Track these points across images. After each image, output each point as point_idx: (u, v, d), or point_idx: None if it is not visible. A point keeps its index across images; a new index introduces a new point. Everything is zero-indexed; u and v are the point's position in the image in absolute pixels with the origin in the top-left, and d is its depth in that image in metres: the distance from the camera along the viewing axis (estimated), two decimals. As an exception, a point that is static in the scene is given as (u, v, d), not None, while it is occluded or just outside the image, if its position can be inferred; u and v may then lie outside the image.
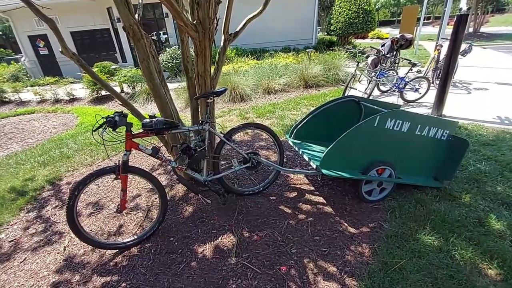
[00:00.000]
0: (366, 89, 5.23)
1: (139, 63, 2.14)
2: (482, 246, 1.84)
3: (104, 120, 1.75)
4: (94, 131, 1.73)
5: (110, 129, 1.83)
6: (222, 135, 2.33)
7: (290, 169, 2.66)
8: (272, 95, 6.74)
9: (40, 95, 8.02)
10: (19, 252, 2.20)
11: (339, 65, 7.50)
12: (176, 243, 2.09)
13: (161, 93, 2.35)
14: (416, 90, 5.00)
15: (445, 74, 4.23)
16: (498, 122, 4.12)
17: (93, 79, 2.35)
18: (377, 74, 4.99)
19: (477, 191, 2.44)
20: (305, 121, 2.91)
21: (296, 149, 2.72)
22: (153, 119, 1.99)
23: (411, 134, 2.34)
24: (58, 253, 2.19)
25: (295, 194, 2.60)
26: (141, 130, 2.02)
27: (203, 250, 2.01)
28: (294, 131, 2.93)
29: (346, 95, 5.60)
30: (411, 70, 5.60)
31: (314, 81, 7.08)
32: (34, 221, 2.56)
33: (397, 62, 6.53)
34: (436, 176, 2.59)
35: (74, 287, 1.85)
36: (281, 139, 3.75)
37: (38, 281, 1.94)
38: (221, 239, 2.09)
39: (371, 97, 5.45)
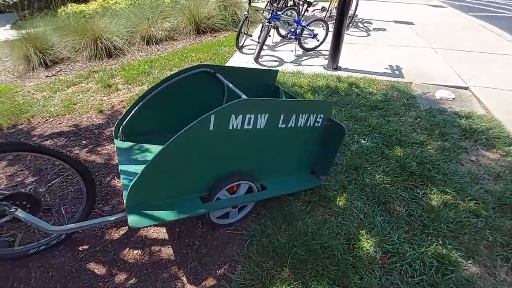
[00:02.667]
0: (259, 36, 4.28)
1: None
2: (345, 291, 1.40)
3: None
4: None
5: None
6: None
7: (77, 225, 1.42)
8: (153, 46, 5.21)
9: None
10: None
11: (237, 1, 6.16)
12: None
13: None
14: (314, 36, 4.29)
15: (339, 16, 3.54)
16: (390, 74, 3.83)
17: None
18: (269, 17, 4.00)
19: (354, 186, 2.00)
20: (135, 109, 1.89)
21: (117, 160, 1.76)
22: None
23: (273, 129, 1.62)
24: None
25: (124, 230, 1.76)
26: None
27: None
28: (121, 127, 1.91)
29: (239, 45, 4.57)
30: (307, 11, 4.77)
31: (208, 23, 5.69)
32: None
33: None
34: (314, 169, 2.04)
35: None
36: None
37: None
38: None
39: (268, 45, 4.57)
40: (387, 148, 2.35)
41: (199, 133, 1.37)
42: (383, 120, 2.71)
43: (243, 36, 4.61)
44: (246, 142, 1.56)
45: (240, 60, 4.33)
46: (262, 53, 4.36)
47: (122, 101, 3.42)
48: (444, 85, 3.48)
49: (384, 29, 5.84)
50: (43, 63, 4.48)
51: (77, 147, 2.60)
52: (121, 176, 1.59)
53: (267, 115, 1.54)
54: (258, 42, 4.11)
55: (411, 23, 6.32)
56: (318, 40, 4.42)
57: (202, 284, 1.48)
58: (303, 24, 4.17)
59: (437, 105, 3.06)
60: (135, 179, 1.30)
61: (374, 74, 3.77)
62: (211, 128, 1.39)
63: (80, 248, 1.64)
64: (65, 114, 3.24)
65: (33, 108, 3.36)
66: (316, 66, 4.08)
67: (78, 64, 4.70)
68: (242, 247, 1.64)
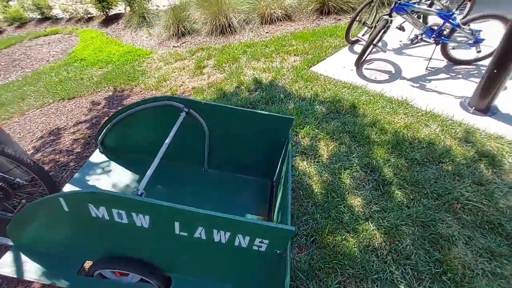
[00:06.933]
0: (371, 32, 2.96)
1: None
2: None
3: None
4: None
5: None
6: None
7: None
8: (266, 27, 4.83)
9: (67, 11, 8.11)
10: None
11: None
12: None
13: None
14: (476, 42, 2.50)
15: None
16: None
17: None
18: (392, 7, 2.62)
19: None
20: (108, 125, 1.77)
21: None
22: None
23: (167, 234, 1.09)
24: None
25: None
26: None
27: None
28: (103, 139, 1.88)
29: (351, 38, 3.41)
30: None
31: (337, 1, 4.57)
32: None
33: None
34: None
35: None
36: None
37: None
38: None
39: (393, 46, 3.15)
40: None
41: (53, 210, 1.10)
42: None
43: (359, 27, 3.39)
44: (129, 234, 1.14)
45: (341, 60, 3.24)
46: (377, 56, 3.11)
47: (193, 88, 3.47)
48: None
49: None
50: (177, 33, 5.11)
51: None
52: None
53: (147, 216, 1.03)
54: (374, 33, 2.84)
55: None
56: (479, 51, 2.58)
57: None
58: (457, 21, 2.49)
59: None
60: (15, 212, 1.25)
61: None
62: (66, 209, 1.07)
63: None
64: (153, 90, 3.67)
65: (142, 77, 4.00)
66: (449, 96, 2.49)
67: (199, 38, 5.06)
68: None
